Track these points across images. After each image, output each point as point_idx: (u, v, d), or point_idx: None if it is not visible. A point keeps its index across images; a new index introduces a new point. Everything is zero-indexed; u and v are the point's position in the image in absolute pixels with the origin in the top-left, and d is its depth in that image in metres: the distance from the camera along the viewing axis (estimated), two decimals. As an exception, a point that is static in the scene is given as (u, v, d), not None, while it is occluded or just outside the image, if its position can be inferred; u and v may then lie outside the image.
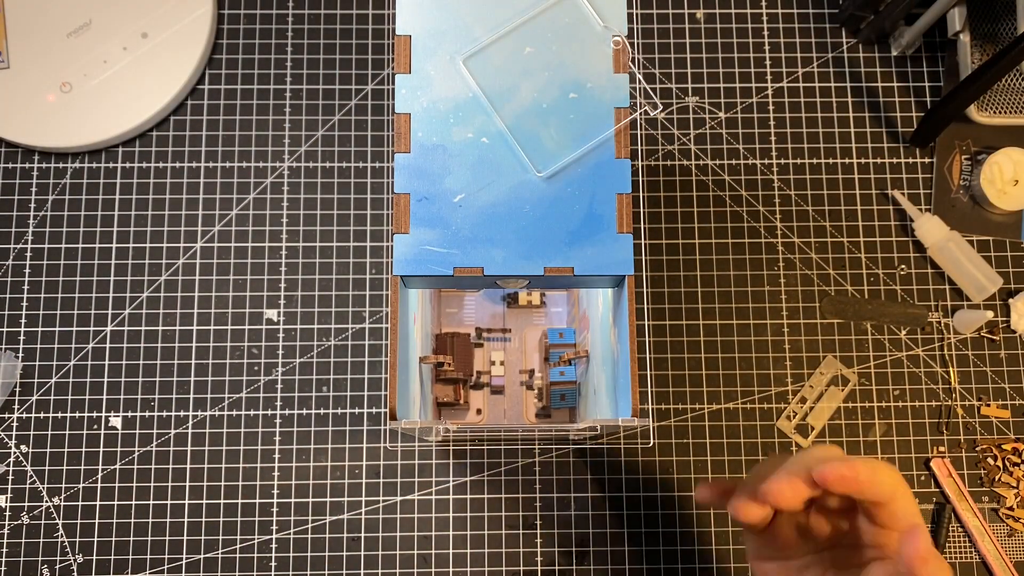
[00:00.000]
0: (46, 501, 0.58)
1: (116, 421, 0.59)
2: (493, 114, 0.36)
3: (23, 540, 0.57)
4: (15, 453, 0.58)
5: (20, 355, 0.60)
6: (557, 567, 0.57)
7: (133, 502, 0.58)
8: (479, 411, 0.52)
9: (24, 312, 0.60)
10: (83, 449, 0.58)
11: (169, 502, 0.58)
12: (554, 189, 0.35)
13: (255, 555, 0.57)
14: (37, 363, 0.60)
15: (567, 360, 0.50)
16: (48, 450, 0.58)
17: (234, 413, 0.59)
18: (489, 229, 0.35)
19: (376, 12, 0.65)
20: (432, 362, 0.47)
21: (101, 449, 0.58)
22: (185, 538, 0.57)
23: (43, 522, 0.57)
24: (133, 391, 0.59)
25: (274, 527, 0.57)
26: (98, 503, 0.58)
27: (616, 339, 0.39)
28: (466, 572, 0.57)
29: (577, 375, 0.51)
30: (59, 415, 0.59)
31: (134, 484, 0.58)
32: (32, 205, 0.62)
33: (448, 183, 0.35)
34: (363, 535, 0.57)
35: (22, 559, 0.57)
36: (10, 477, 0.58)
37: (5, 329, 0.60)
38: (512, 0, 0.37)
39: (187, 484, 0.58)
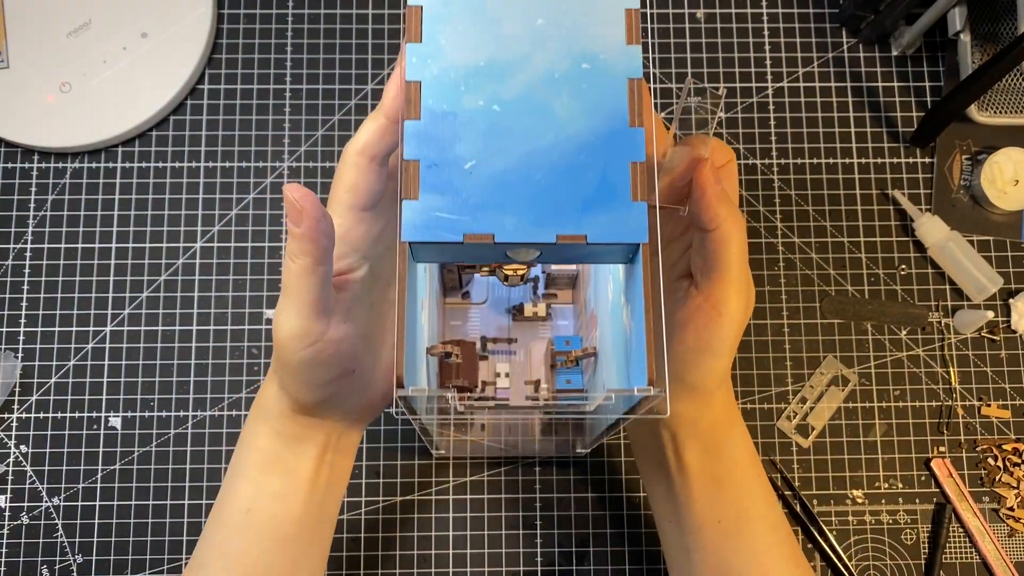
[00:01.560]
0: (46, 501, 0.58)
1: (116, 421, 0.59)
2: (505, 83, 0.36)
3: (23, 540, 0.57)
4: (15, 453, 0.58)
5: (20, 355, 0.60)
6: (557, 567, 0.57)
7: (133, 502, 0.58)
8: (483, 427, 0.52)
9: (24, 312, 0.60)
10: (83, 449, 0.58)
11: (169, 502, 0.57)
12: (566, 157, 0.35)
13: (255, 555, 0.57)
14: (37, 363, 0.59)
15: (573, 360, 0.49)
16: (48, 450, 0.58)
17: (234, 413, 0.59)
18: (500, 196, 0.34)
19: (376, 12, 0.65)
20: (439, 352, 0.46)
21: (101, 449, 0.58)
22: (185, 538, 0.57)
23: (43, 522, 0.57)
24: (133, 391, 0.59)
25: (274, 527, 0.57)
26: (98, 503, 0.58)
27: (629, 317, 0.39)
28: (466, 572, 0.57)
29: (584, 382, 0.51)
30: (59, 415, 0.59)
31: (134, 484, 0.58)
32: (32, 205, 0.62)
33: (458, 150, 0.35)
34: (363, 535, 0.57)
35: (22, 559, 0.57)
36: (10, 477, 0.58)
37: (5, 329, 0.60)
38: None
39: (187, 484, 0.58)
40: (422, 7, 0.36)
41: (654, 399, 0.34)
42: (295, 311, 0.37)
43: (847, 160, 0.63)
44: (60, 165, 0.62)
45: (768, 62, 0.65)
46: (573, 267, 0.51)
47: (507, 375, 0.51)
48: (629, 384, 0.37)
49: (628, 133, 0.36)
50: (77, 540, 0.57)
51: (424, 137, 0.35)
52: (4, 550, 0.57)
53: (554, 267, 0.51)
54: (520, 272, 0.48)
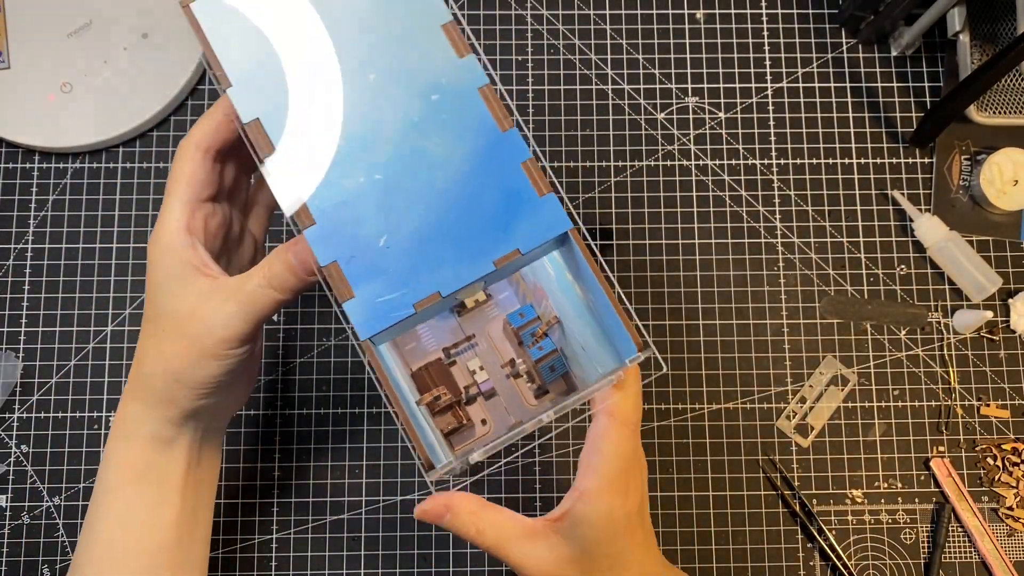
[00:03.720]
0: (46, 501, 0.58)
1: (116, 421, 0.59)
2: (372, 149, 0.35)
3: (23, 540, 0.57)
4: (15, 453, 0.58)
5: (20, 355, 0.60)
6: (557, 567, 0.57)
7: (133, 502, 0.58)
8: (484, 421, 0.52)
9: (24, 312, 0.60)
10: (83, 449, 0.58)
11: (169, 502, 0.58)
12: (463, 188, 0.35)
13: (255, 555, 0.57)
14: (37, 363, 0.60)
15: (542, 333, 0.49)
16: (48, 450, 0.58)
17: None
18: (425, 254, 0.35)
19: (376, 12, 0.65)
20: (429, 400, 0.46)
21: (102, 449, 0.58)
22: (185, 538, 0.57)
23: (43, 522, 0.57)
24: (133, 391, 0.59)
25: (274, 527, 0.57)
26: (98, 503, 0.58)
27: (585, 291, 0.39)
28: (466, 572, 0.57)
29: (556, 342, 0.51)
30: (59, 415, 0.59)
31: (134, 484, 0.58)
32: (32, 205, 0.62)
33: (364, 232, 0.35)
34: (363, 535, 0.57)
35: (22, 559, 0.57)
36: (10, 477, 0.58)
37: (5, 329, 0.60)
38: (323, 36, 0.36)
39: (187, 484, 0.58)
40: (259, 119, 0.36)
41: (645, 360, 0.36)
42: (242, 314, 0.38)
43: (846, 160, 0.63)
44: (60, 165, 0.62)
45: (768, 62, 0.65)
46: None
47: (482, 368, 0.51)
48: (620, 358, 0.37)
49: (504, 138, 0.36)
50: (77, 540, 0.57)
51: (328, 238, 0.35)
52: (5, 550, 0.57)
53: None
54: (478, 299, 0.49)
